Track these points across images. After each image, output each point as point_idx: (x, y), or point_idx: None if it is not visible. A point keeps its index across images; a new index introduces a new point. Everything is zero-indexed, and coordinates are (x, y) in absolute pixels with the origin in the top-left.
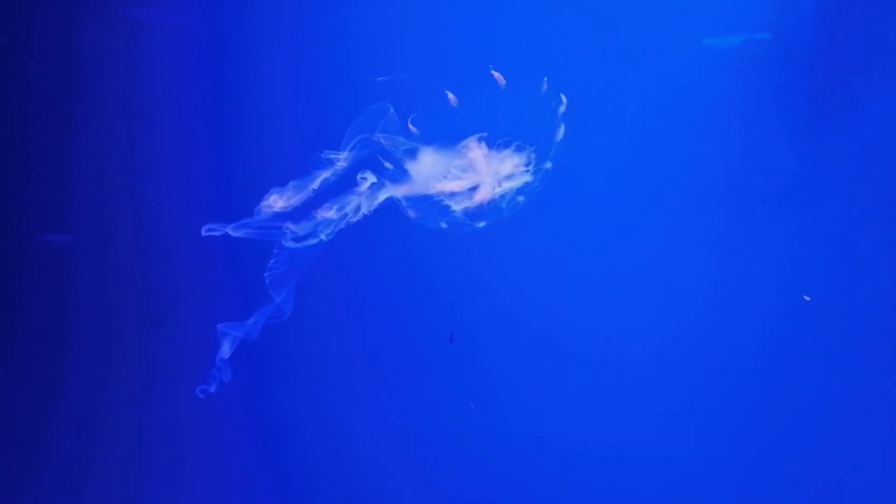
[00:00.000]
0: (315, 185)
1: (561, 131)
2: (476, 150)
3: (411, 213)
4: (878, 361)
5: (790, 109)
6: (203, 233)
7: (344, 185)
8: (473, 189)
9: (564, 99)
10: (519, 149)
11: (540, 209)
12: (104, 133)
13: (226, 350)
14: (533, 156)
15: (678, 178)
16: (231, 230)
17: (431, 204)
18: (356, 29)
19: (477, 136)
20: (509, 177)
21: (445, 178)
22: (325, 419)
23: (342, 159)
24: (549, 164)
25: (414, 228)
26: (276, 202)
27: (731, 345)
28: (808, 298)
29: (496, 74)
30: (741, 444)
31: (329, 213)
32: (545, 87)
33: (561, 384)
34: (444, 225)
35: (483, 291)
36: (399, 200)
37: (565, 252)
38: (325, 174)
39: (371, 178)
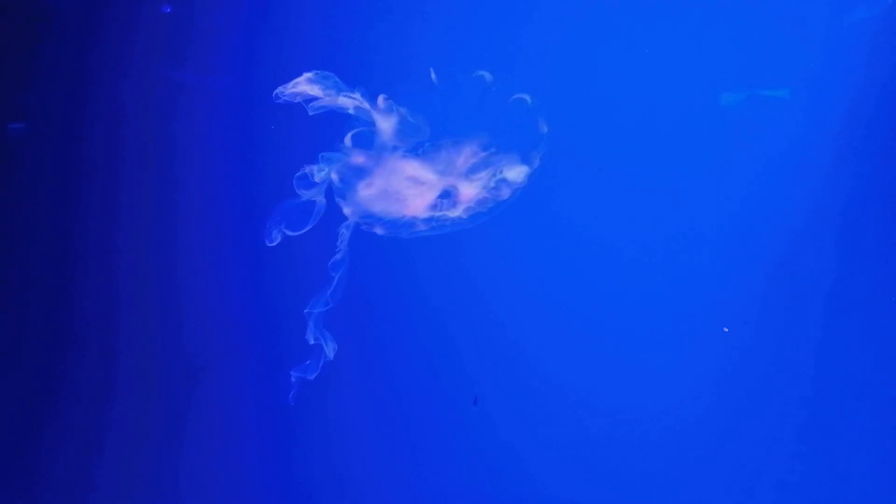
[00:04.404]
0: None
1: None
2: (410, 166)
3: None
4: None
5: (806, 167)
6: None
7: None
8: (447, 196)
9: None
10: (457, 142)
11: (551, 276)
12: (143, 190)
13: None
14: (483, 140)
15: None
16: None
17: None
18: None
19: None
20: (474, 169)
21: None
22: (345, 476)
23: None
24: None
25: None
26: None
27: (749, 397)
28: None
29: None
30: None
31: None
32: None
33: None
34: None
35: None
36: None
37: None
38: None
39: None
